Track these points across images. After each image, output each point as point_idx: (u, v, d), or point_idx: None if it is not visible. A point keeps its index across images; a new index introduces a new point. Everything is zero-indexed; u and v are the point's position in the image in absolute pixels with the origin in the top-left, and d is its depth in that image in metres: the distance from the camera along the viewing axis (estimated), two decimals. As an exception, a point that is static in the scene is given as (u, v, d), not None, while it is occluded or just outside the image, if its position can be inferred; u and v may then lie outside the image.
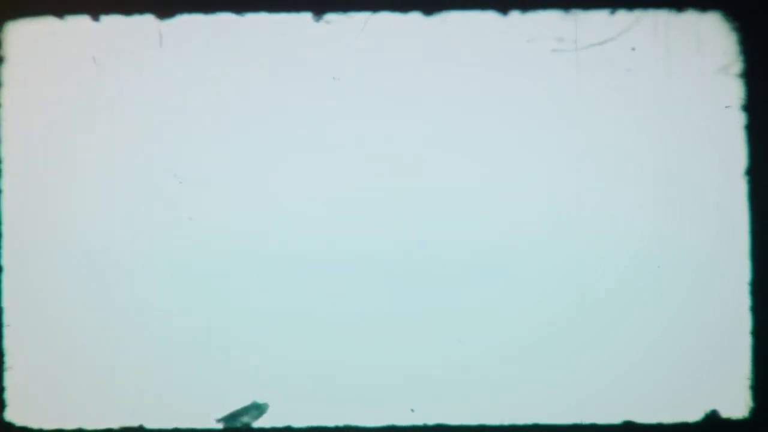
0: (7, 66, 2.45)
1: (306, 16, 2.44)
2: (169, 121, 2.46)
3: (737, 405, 2.40)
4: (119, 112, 2.46)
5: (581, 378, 2.44)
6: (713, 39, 2.41)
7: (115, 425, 2.44)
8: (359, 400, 2.45)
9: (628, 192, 2.43)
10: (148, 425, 2.44)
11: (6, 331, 2.45)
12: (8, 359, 2.45)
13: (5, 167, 2.45)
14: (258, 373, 2.46)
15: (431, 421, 2.44)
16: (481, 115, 2.45)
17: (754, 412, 2.39)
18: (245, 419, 2.45)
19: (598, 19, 2.42)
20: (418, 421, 2.44)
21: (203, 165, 2.46)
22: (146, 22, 2.43)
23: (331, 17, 2.44)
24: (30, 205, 2.46)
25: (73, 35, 2.45)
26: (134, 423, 2.44)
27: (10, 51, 2.45)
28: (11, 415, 2.45)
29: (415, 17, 2.42)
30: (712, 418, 2.40)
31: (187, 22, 2.43)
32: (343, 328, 2.46)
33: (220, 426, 2.45)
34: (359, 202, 2.46)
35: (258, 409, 2.46)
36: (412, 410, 2.42)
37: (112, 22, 2.44)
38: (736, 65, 2.40)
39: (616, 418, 2.42)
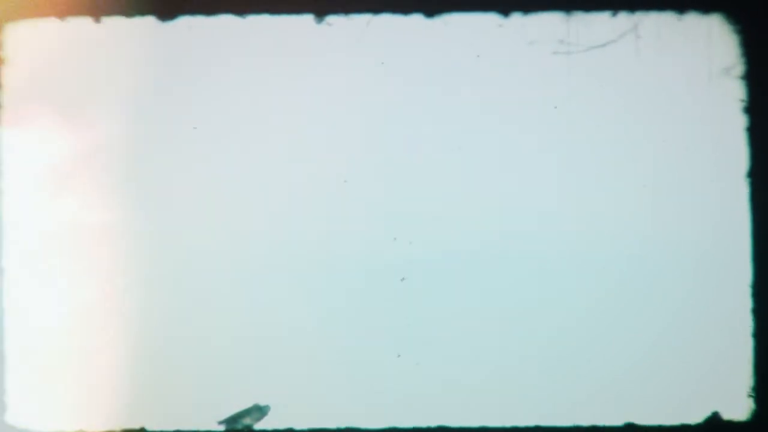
0: (7, 66, 2.45)
1: (308, 18, 2.44)
2: (169, 121, 2.46)
3: (739, 407, 2.40)
4: (119, 112, 2.46)
5: (582, 380, 2.44)
6: (715, 41, 2.41)
7: (117, 427, 2.44)
8: (360, 401, 2.45)
9: (630, 194, 2.43)
10: (150, 427, 2.44)
11: (6, 333, 2.45)
12: (9, 361, 2.45)
13: (5, 167, 2.45)
14: (260, 376, 2.46)
15: (432, 423, 2.44)
16: (482, 116, 2.45)
17: (756, 414, 2.39)
18: (247, 421, 2.45)
19: (599, 21, 2.42)
20: (419, 422, 2.44)
21: (202, 165, 2.46)
22: (147, 23, 2.43)
23: (332, 19, 2.43)
24: (29, 205, 2.45)
25: (73, 36, 2.45)
26: (136, 425, 2.44)
27: (10, 51, 2.45)
28: (12, 418, 2.45)
29: (416, 19, 2.42)
30: (714, 420, 2.40)
31: (188, 23, 2.43)
32: (345, 329, 2.46)
33: (222, 428, 2.45)
34: (362, 201, 2.46)
35: (260, 411, 2.46)
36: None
37: (112, 23, 2.44)
38: (738, 67, 2.41)
39: (617, 420, 2.42)
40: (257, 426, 2.45)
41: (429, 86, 2.44)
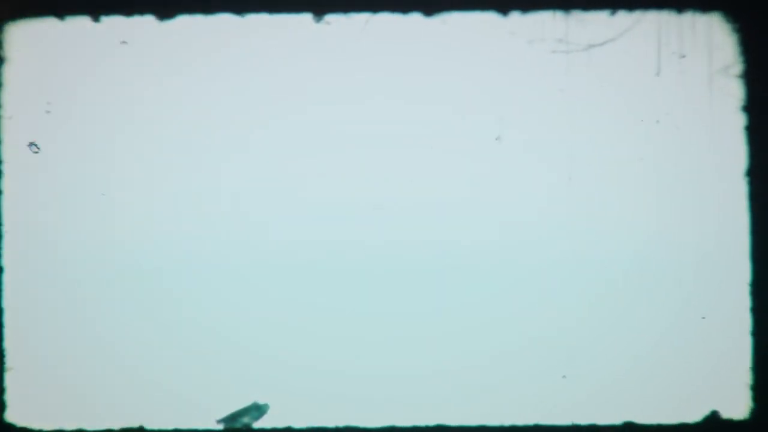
0: (7, 66, 2.45)
1: (306, 17, 2.44)
2: (169, 121, 2.46)
3: (737, 406, 2.40)
4: (120, 111, 2.46)
5: (581, 378, 2.44)
6: (714, 40, 2.41)
7: (116, 426, 2.44)
8: (359, 400, 2.45)
9: (629, 193, 2.43)
10: (149, 426, 2.44)
11: (6, 332, 2.45)
12: (8, 360, 2.45)
13: (5, 167, 2.45)
14: (258, 374, 2.46)
15: (431, 421, 2.44)
16: (481, 116, 2.45)
17: (755, 412, 2.39)
18: (246, 420, 2.45)
19: (598, 20, 2.42)
20: (418, 421, 2.44)
21: (203, 165, 2.46)
22: (146, 22, 2.44)
23: (331, 18, 2.44)
24: (30, 205, 2.46)
25: (73, 35, 2.45)
26: (134, 423, 2.44)
27: (10, 51, 2.45)
28: (12, 416, 2.45)
29: (415, 18, 2.43)
30: (713, 418, 2.40)
31: (187, 22, 2.43)
32: (343, 328, 2.46)
33: (221, 427, 2.45)
34: (360, 201, 2.46)
35: (258, 409, 2.46)
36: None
37: (112, 22, 2.44)
38: (737, 66, 2.41)
39: (616, 419, 2.42)
40: (256, 425, 2.45)
41: (427, 85, 2.44)
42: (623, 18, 2.41)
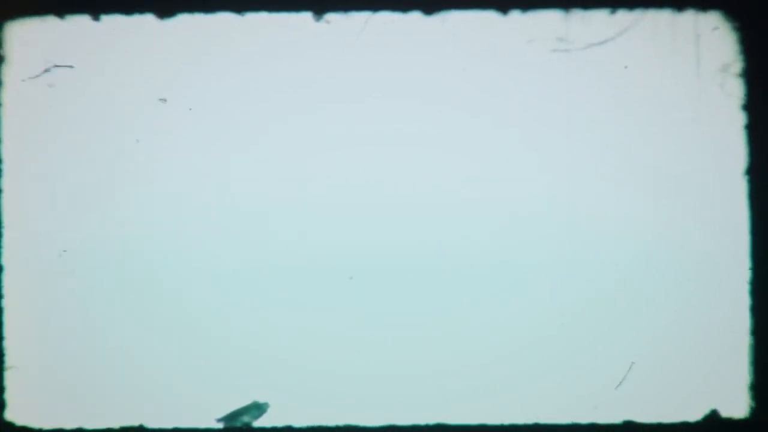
0: (7, 66, 2.45)
1: (306, 16, 2.44)
2: (169, 121, 2.46)
3: (737, 405, 2.40)
4: (120, 111, 2.46)
5: (581, 378, 2.44)
6: (713, 38, 2.41)
7: (115, 425, 2.44)
8: (360, 399, 2.45)
9: (628, 192, 2.43)
10: (149, 425, 2.44)
11: (6, 331, 2.45)
12: (8, 359, 2.45)
13: (5, 167, 2.45)
14: (258, 373, 2.46)
15: (431, 421, 2.44)
16: (481, 115, 2.45)
17: (754, 411, 2.39)
18: (245, 419, 2.45)
19: (598, 19, 2.42)
20: (419, 420, 2.44)
21: (204, 164, 2.46)
22: (146, 21, 2.44)
23: (331, 17, 2.44)
24: (30, 205, 2.46)
25: (73, 35, 2.45)
26: (134, 423, 2.44)
27: (10, 51, 2.45)
28: (11, 415, 2.45)
29: (415, 17, 2.43)
30: (712, 417, 2.40)
31: (187, 21, 2.43)
32: (343, 327, 2.46)
33: (221, 425, 2.45)
34: (359, 201, 2.46)
35: (258, 408, 2.46)
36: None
37: (112, 21, 2.45)
38: (737, 64, 2.41)
39: (616, 418, 2.42)
40: (256, 424, 2.45)
41: (427, 84, 2.45)
42: (623, 17, 2.42)
